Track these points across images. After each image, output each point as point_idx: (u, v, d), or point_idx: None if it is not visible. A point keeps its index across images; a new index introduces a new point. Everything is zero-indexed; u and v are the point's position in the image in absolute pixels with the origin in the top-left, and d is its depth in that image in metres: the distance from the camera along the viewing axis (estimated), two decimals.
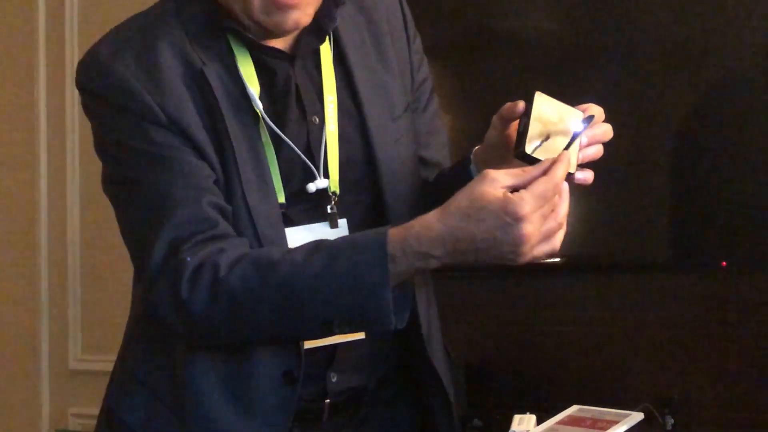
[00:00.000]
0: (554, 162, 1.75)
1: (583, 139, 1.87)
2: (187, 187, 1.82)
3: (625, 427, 2.30)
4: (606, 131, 1.90)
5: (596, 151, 1.89)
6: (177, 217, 1.79)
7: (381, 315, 1.69)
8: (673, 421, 2.28)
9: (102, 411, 1.99)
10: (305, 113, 1.91)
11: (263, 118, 1.86)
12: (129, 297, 4.00)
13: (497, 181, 1.70)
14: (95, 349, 4.15)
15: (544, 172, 1.73)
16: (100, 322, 4.14)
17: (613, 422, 2.32)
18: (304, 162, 1.89)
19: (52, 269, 4.25)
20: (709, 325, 2.46)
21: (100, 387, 4.07)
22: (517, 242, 1.66)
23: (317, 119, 1.91)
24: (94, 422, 3.95)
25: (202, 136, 1.83)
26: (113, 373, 2.01)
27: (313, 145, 1.91)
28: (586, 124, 1.87)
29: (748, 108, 2.74)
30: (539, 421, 2.45)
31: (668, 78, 2.83)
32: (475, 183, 1.71)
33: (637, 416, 2.33)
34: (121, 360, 1.98)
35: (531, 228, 1.66)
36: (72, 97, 4.14)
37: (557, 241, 1.72)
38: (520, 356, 2.73)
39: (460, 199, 1.69)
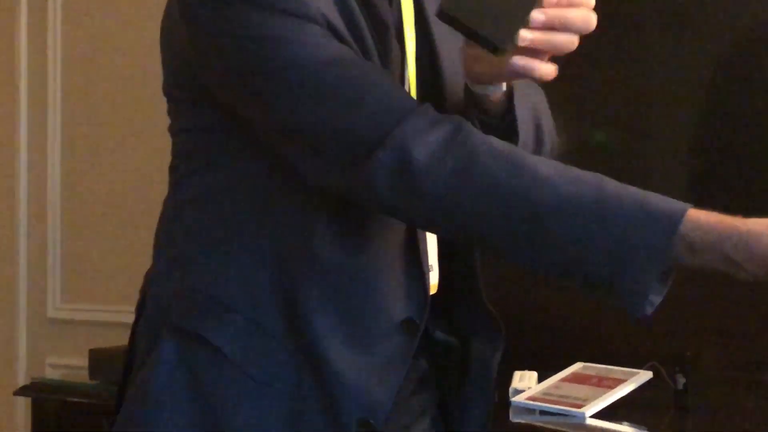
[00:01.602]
0: None
1: (537, 15, 1.48)
2: (372, 68, 1.62)
3: (633, 386, 2.20)
4: (585, 18, 1.52)
5: (565, 41, 1.52)
6: (378, 92, 1.57)
7: (635, 292, 1.46)
8: (684, 380, 2.17)
9: (165, 329, 1.71)
10: (394, 50, 1.71)
11: (374, 54, 1.67)
12: (110, 243, 3.99)
13: None
14: (75, 297, 4.06)
15: None
16: (80, 269, 4.06)
17: (620, 381, 2.22)
18: None
19: (30, 215, 4.15)
20: (723, 280, 2.36)
21: (79, 336, 4.04)
22: None
23: (400, 58, 1.71)
24: (72, 372, 3.93)
25: (350, 43, 1.63)
26: (162, 287, 1.75)
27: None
28: None
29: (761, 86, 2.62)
30: (541, 378, 2.36)
31: (678, 49, 2.71)
32: None
33: (645, 375, 2.23)
34: (192, 275, 1.72)
35: None
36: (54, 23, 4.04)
37: None
38: (521, 310, 2.63)
39: None
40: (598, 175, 1.52)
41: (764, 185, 2.56)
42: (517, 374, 2.35)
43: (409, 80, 1.73)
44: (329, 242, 1.68)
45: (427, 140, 1.54)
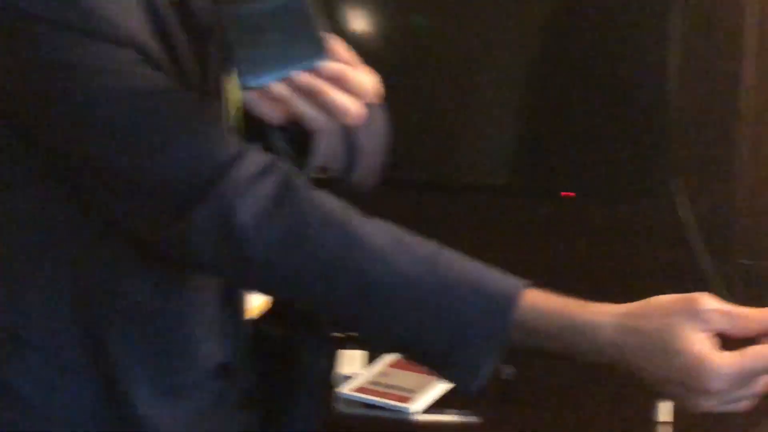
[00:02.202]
0: None
1: (304, 79, 1.32)
2: (189, 102, 1.46)
3: None
4: (345, 106, 1.35)
5: (312, 117, 1.36)
6: (196, 136, 1.43)
7: (468, 372, 1.42)
8: (514, 370, 2.15)
9: None
10: (214, 60, 1.55)
11: (191, 74, 1.52)
12: None
13: (706, 322, 1.37)
14: None
15: None
16: None
17: None
18: None
19: None
20: (554, 265, 2.33)
21: None
22: (689, 404, 1.38)
23: (220, 68, 1.55)
24: None
25: (164, 63, 1.47)
26: None
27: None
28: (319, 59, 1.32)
29: (599, 33, 2.56)
30: (368, 357, 2.30)
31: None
32: (679, 312, 1.37)
33: None
34: None
35: (713, 402, 1.38)
36: None
37: (739, 406, 1.40)
38: None
39: (650, 320, 1.39)
40: (435, 248, 1.44)
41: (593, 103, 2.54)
42: (343, 355, 2.29)
43: (229, 92, 1.59)
44: (136, 279, 1.55)
45: (252, 199, 1.41)
